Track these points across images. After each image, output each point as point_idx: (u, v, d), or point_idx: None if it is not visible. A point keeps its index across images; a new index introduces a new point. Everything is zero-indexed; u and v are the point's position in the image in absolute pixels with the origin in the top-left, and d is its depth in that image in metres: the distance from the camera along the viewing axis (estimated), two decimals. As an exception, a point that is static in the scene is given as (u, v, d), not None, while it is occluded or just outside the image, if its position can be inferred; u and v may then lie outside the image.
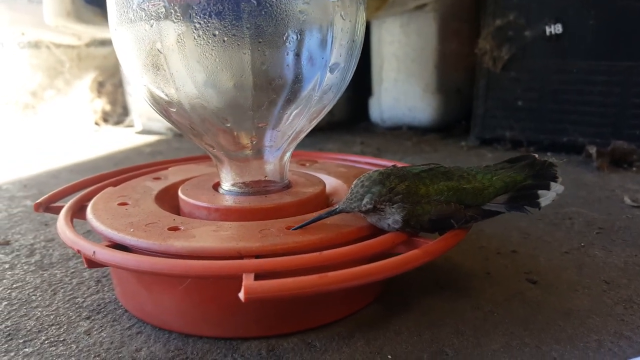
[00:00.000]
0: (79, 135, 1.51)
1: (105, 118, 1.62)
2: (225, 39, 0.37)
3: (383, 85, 1.40)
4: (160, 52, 0.39)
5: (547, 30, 1.12)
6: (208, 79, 0.40)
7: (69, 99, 1.56)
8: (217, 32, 0.37)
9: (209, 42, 0.38)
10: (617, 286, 0.49)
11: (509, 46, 1.16)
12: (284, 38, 0.39)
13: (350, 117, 1.55)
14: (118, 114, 1.66)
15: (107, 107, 1.62)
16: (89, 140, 1.44)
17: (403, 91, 1.37)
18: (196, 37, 0.38)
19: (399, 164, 0.49)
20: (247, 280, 0.32)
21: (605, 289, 0.49)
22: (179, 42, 0.38)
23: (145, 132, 1.55)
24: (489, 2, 1.16)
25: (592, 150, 1.02)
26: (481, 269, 0.54)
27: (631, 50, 1.04)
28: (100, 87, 1.61)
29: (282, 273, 0.34)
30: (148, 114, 1.51)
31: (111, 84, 1.64)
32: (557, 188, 0.43)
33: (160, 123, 1.48)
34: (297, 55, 0.40)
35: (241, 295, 0.31)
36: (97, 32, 1.36)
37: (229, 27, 0.37)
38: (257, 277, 0.33)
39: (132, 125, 1.61)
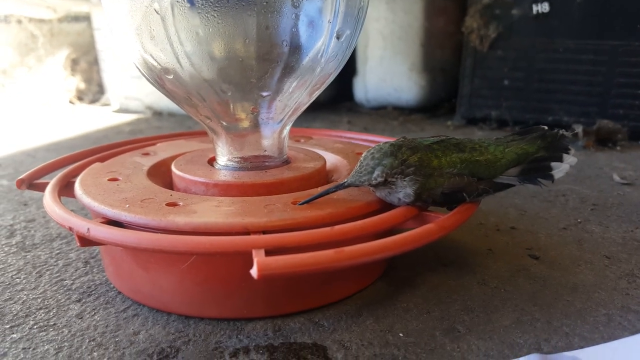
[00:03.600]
0: (54, 114, 1.44)
1: (80, 96, 1.56)
2: (230, -2, 0.35)
3: (368, 64, 1.38)
4: (157, 13, 0.36)
5: (535, 8, 1.11)
6: (209, 43, 0.37)
7: (41, 76, 1.49)
8: (220, -9, 0.35)
9: (211, 2, 0.35)
10: (619, 261, 0.49)
11: (496, 25, 1.15)
12: (292, 0, 0.36)
13: (333, 96, 1.53)
14: (93, 92, 1.60)
15: (82, 86, 1.56)
16: (64, 119, 1.39)
17: (389, 70, 1.35)
18: (198, -4, 0.35)
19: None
20: (259, 257, 0.30)
21: (607, 263, 0.49)
22: (178, 2, 0.35)
23: (123, 110, 1.50)
24: (477, -21, 1.15)
25: (579, 129, 1.03)
26: (482, 246, 0.53)
27: (617, 29, 1.04)
28: (74, 64, 1.55)
29: (292, 249, 0.32)
30: (125, 92, 1.46)
31: (86, 62, 1.57)
32: (570, 160, 0.42)
33: (138, 102, 1.43)
34: (304, 19, 0.37)
35: (253, 271, 0.29)
36: (73, 4, 1.30)
37: (234, -15, 0.34)
38: (267, 253, 0.31)
39: (109, 104, 1.56)
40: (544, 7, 1.10)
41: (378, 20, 1.32)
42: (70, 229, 0.36)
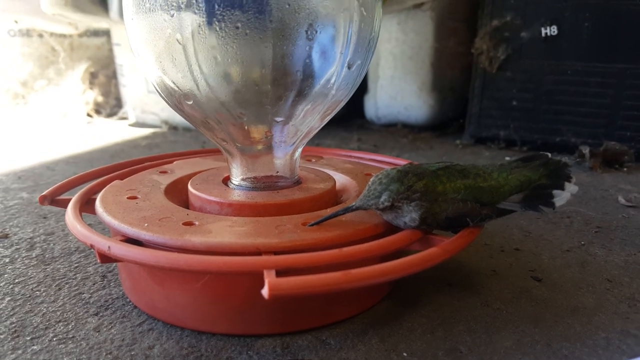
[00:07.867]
0: (72, 127, 1.48)
1: (98, 110, 1.60)
2: (248, 31, 0.37)
3: (379, 83, 1.41)
4: (179, 43, 0.39)
5: (543, 31, 1.13)
6: (228, 72, 0.39)
7: (60, 89, 1.53)
8: (239, 25, 0.37)
9: (230, 35, 0.37)
10: (620, 284, 0.50)
11: (505, 47, 1.16)
12: (306, 33, 0.38)
13: (344, 113, 1.55)
14: (111, 105, 1.63)
15: (100, 99, 1.60)
16: (82, 131, 1.42)
17: (399, 89, 1.38)
18: (218, 29, 0.37)
19: (402, 161, 0.49)
20: (270, 277, 0.32)
21: (609, 287, 0.50)
22: (199, 33, 0.38)
23: (139, 124, 1.53)
24: (487, 3, 1.17)
25: (586, 150, 1.04)
26: (487, 267, 0.54)
27: (625, 52, 1.06)
28: (92, 78, 1.59)
29: (302, 270, 0.33)
30: (142, 106, 1.49)
31: (104, 75, 1.61)
32: (571, 188, 0.43)
33: (155, 116, 1.46)
34: (318, 50, 0.40)
35: (264, 292, 0.31)
36: (94, 22, 1.34)
37: (252, 19, 0.37)
38: (278, 273, 0.33)
39: (126, 118, 1.59)
40: (553, 30, 1.12)
41: (389, 41, 1.35)
42: (92, 246, 0.38)
